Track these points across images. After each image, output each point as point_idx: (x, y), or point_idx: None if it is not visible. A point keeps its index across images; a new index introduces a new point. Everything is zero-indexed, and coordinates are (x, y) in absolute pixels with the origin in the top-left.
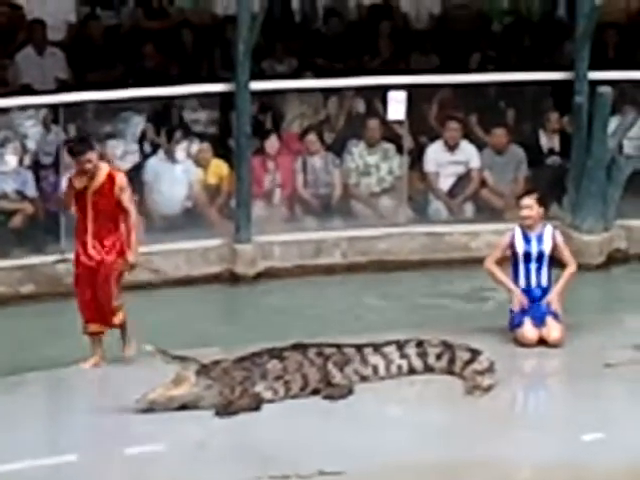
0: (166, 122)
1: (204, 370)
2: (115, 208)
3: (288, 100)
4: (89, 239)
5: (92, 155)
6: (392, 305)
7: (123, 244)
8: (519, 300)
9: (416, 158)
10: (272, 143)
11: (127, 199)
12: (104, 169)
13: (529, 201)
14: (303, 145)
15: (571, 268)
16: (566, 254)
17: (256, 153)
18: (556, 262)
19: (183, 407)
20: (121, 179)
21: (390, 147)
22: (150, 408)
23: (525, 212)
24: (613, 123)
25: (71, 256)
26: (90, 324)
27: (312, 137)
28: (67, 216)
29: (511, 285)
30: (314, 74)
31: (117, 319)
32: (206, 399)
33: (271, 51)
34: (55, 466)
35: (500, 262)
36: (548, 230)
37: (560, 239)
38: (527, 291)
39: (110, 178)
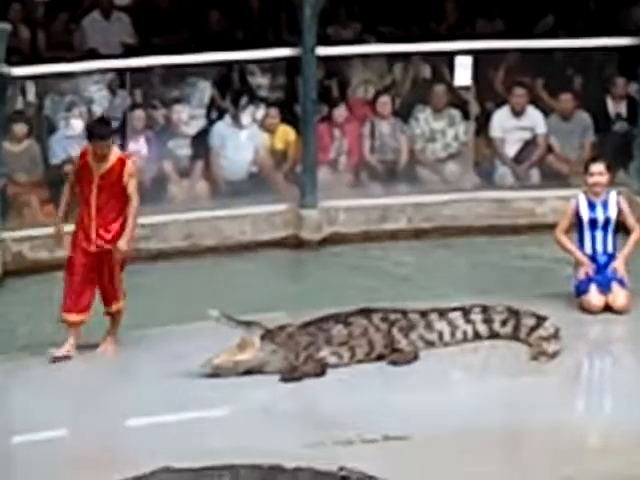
0: (232, 87)
1: (269, 335)
2: (121, 194)
3: (353, 66)
4: (93, 225)
5: (109, 143)
6: (457, 271)
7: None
8: (586, 269)
9: (482, 124)
10: (341, 112)
11: (133, 186)
12: (115, 153)
13: (600, 167)
14: (369, 110)
15: (636, 234)
16: (631, 220)
17: (322, 120)
18: (620, 228)
19: (248, 372)
20: (131, 165)
21: (456, 113)
22: (215, 373)
23: (596, 178)
24: None
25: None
26: (70, 314)
27: (385, 99)
28: None
29: (580, 255)
30: (377, 39)
31: (116, 307)
32: (271, 364)
33: (335, 16)
34: (121, 430)
35: (567, 229)
36: (612, 196)
37: (625, 205)
38: (593, 258)
39: (120, 162)
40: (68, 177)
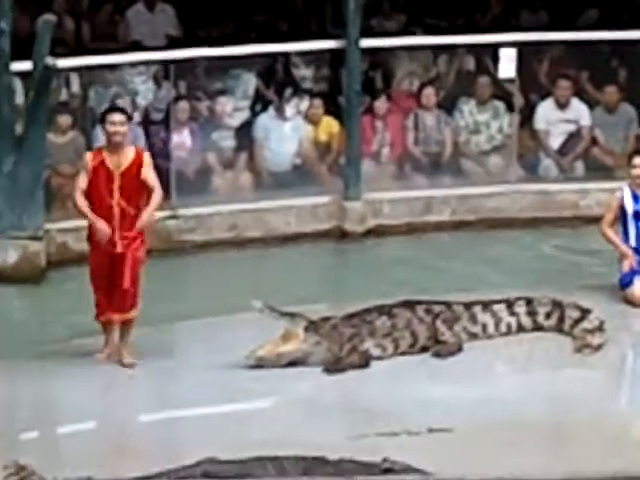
0: (276, 79)
1: (313, 326)
2: (142, 190)
3: (398, 57)
4: (116, 227)
5: (124, 119)
6: (501, 263)
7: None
8: (630, 262)
9: (526, 116)
10: (381, 104)
11: (153, 177)
12: (130, 147)
13: None
14: (414, 102)
15: None
16: None
17: (365, 112)
18: None
19: (291, 364)
20: (148, 157)
21: (500, 105)
22: (259, 365)
23: (636, 171)
24: None
25: (183, 212)
26: (106, 313)
27: (430, 90)
28: (178, 172)
29: (624, 248)
30: (424, 31)
31: (134, 313)
32: (315, 355)
33: (379, 8)
34: (166, 420)
35: (613, 222)
36: None
37: None
38: (637, 250)
39: (138, 156)
40: (76, 187)
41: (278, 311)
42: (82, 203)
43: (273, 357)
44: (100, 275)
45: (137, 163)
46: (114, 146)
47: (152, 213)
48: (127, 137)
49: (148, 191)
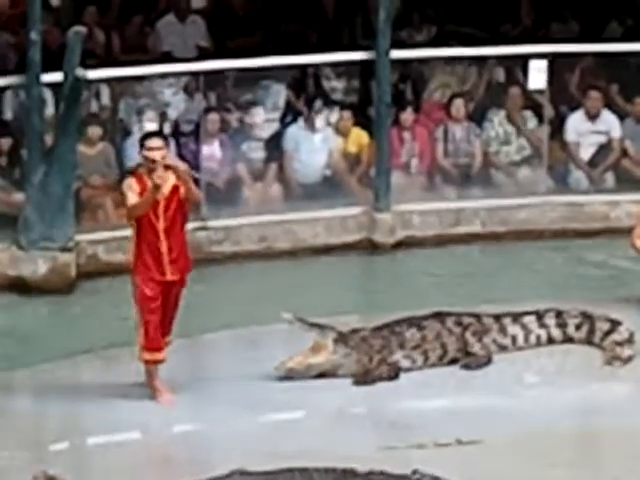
0: (306, 90)
1: (342, 338)
2: (183, 208)
3: (429, 69)
4: (164, 252)
5: (162, 144)
6: (531, 275)
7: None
8: None
9: (557, 127)
10: (407, 116)
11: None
12: (168, 172)
13: None
14: (444, 114)
15: None
16: None
17: (393, 124)
18: None
19: (321, 375)
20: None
21: (530, 116)
22: (288, 376)
23: None
24: None
25: (211, 223)
26: (154, 353)
27: (459, 102)
28: (207, 184)
29: None
30: (459, 43)
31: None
32: (344, 367)
33: (409, 20)
34: (196, 432)
35: None
36: None
37: None
38: None
39: (175, 176)
40: (129, 212)
41: (308, 323)
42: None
43: (302, 369)
44: (153, 308)
45: (177, 187)
46: (152, 171)
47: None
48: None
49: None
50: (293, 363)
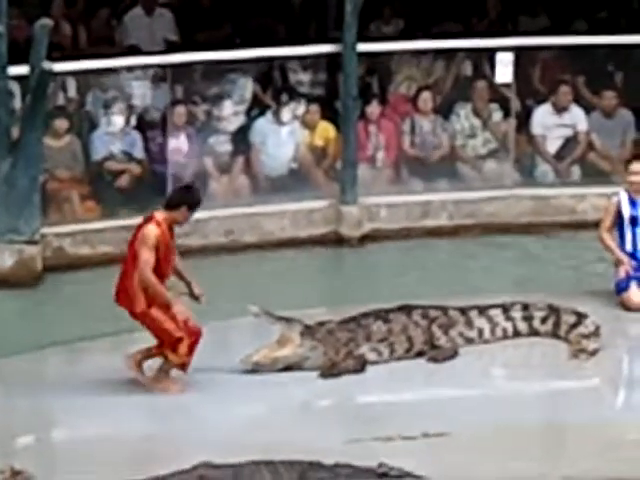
0: (273, 84)
1: (309, 331)
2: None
3: (396, 62)
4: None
5: None
6: (497, 267)
7: None
8: (626, 269)
9: (523, 120)
10: (372, 109)
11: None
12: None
13: (637, 167)
14: (411, 107)
15: None
16: None
17: (360, 117)
18: None
19: (287, 368)
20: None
21: (497, 109)
22: (254, 369)
23: (633, 178)
24: None
25: None
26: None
27: (427, 95)
28: (174, 176)
29: (621, 254)
30: (424, 36)
31: None
32: (311, 360)
33: (379, 13)
34: (161, 425)
35: (610, 227)
36: None
37: None
38: (633, 255)
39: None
40: (145, 264)
41: (274, 316)
42: (154, 280)
43: (269, 362)
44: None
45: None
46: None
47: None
48: None
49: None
50: (259, 356)
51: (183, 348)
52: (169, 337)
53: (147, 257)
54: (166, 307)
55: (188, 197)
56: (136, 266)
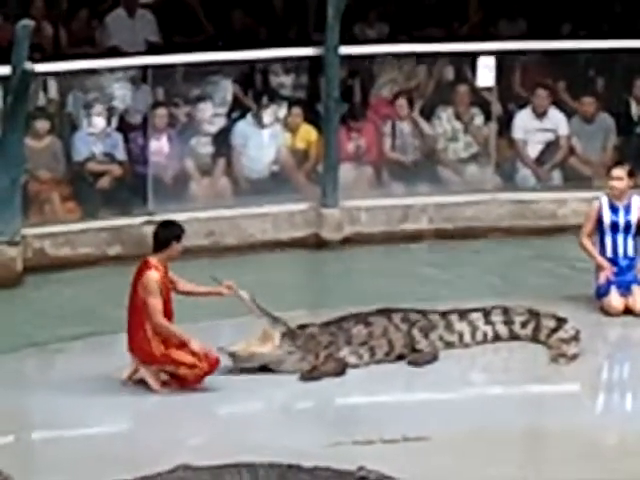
0: (254, 86)
1: (291, 334)
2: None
3: (379, 65)
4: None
5: None
6: (478, 272)
7: None
8: (607, 274)
9: (504, 125)
10: (355, 111)
11: None
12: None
13: (620, 172)
14: (392, 110)
15: None
16: None
17: (341, 120)
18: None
19: (263, 368)
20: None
21: (478, 113)
22: (231, 370)
23: (614, 183)
24: None
25: (158, 218)
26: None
27: (402, 102)
28: (155, 178)
29: (601, 260)
30: (409, 40)
31: None
32: (286, 363)
33: (365, 17)
34: (140, 427)
35: (591, 233)
36: (635, 200)
37: None
38: (614, 261)
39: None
40: (156, 312)
41: (263, 309)
42: (166, 324)
43: (246, 356)
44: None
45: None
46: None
47: None
48: None
49: None
50: (237, 348)
51: (199, 371)
52: (191, 366)
53: (155, 304)
54: (182, 344)
55: (173, 231)
56: (145, 315)
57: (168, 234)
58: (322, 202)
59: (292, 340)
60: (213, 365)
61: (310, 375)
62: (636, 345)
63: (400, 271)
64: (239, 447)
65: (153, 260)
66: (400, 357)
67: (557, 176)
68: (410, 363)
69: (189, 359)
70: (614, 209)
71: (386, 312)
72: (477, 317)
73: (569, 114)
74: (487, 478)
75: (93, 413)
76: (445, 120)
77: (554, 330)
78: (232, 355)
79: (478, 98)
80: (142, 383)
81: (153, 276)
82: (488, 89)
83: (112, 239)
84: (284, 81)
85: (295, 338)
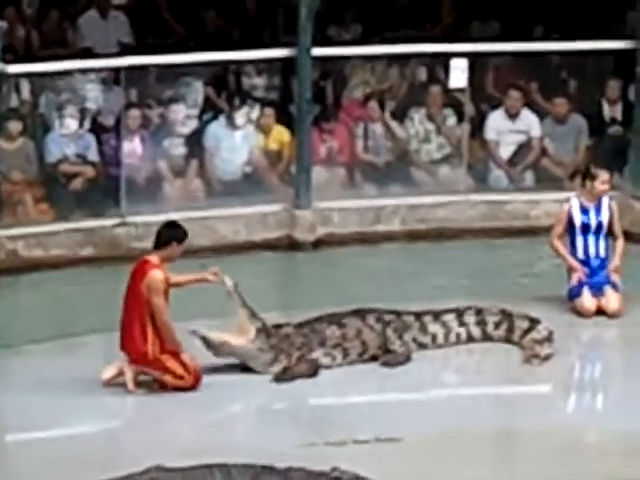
0: (227, 87)
1: (265, 332)
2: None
3: (352, 66)
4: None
5: None
6: (451, 273)
7: None
8: (578, 276)
9: (477, 126)
10: (327, 113)
11: None
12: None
13: (607, 176)
14: (365, 112)
15: (620, 246)
16: (617, 227)
17: (314, 121)
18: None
19: (237, 367)
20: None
21: (451, 114)
22: (204, 345)
23: (602, 187)
24: None
25: (130, 219)
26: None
27: (373, 104)
28: (128, 179)
29: (573, 262)
30: (381, 42)
31: None
32: (255, 361)
33: (339, 18)
34: (113, 428)
35: (562, 234)
36: (605, 201)
37: (616, 211)
38: (585, 262)
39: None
40: (163, 313)
41: (244, 300)
42: (171, 325)
43: (217, 343)
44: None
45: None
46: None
47: None
48: None
49: None
50: (211, 333)
51: (183, 384)
52: (178, 377)
53: (160, 303)
54: (175, 353)
55: (176, 233)
56: (147, 315)
57: (171, 234)
58: (295, 203)
59: (266, 337)
60: (197, 381)
61: (283, 376)
62: (608, 346)
63: (373, 272)
64: (212, 448)
65: (154, 259)
66: (374, 358)
67: (530, 177)
68: (383, 364)
69: (179, 370)
70: (584, 210)
71: (360, 313)
72: (451, 318)
73: (541, 115)
74: (460, 479)
75: (68, 415)
76: (417, 121)
77: (527, 331)
78: (203, 339)
79: (451, 99)
80: (120, 385)
81: (159, 276)
82: (461, 90)
83: (85, 241)
84: (257, 82)
85: (269, 336)
